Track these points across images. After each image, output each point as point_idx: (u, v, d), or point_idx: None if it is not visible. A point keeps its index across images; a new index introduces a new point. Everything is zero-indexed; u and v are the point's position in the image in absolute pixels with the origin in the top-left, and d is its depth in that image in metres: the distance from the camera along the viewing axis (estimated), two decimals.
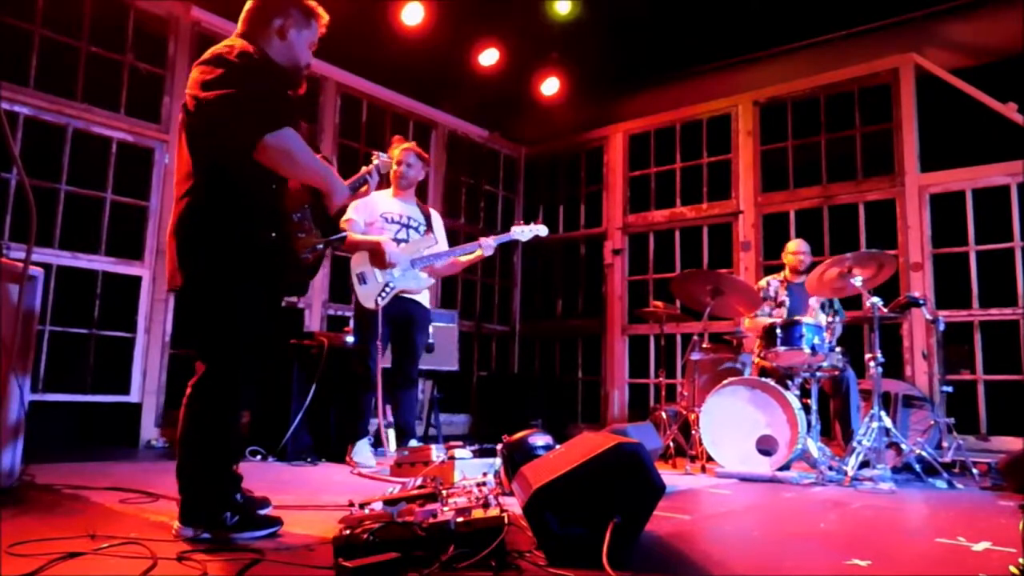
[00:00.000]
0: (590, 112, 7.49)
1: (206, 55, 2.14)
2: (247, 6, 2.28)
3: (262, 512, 2.24)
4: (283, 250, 2.17)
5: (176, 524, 2.11)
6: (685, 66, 6.78)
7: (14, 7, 4.74)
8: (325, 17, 2.35)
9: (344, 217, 4.29)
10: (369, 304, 4.10)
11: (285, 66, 2.26)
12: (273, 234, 2.13)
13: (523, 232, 4.41)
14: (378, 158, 3.00)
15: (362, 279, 4.16)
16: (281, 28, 2.24)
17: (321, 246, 2.33)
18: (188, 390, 2.18)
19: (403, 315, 4.27)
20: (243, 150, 2.05)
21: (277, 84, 2.19)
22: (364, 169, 2.80)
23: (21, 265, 2.61)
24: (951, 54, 5.75)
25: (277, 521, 2.21)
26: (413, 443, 4.13)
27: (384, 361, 4.28)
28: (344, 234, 2.46)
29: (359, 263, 4.19)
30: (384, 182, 4.69)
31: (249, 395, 2.37)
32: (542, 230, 4.45)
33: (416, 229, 4.42)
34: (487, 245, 4.31)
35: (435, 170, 7.36)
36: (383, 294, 4.10)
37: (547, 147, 8.17)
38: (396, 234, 4.31)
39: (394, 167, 4.37)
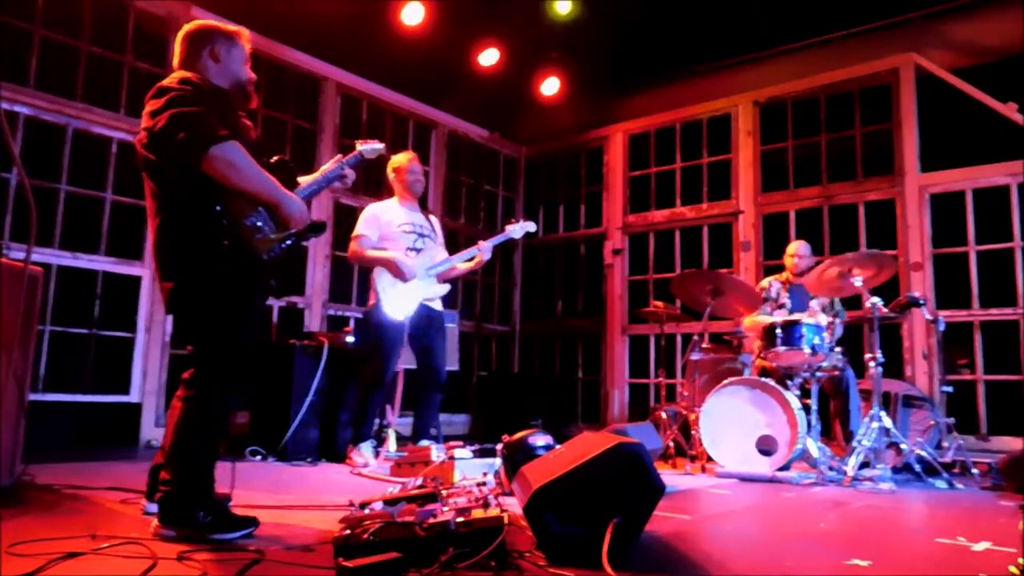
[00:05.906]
0: (590, 112, 7.49)
1: (151, 91, 2.26)
2: (177, 48, 2.47)
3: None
4: (240, 253, 2.20)
5: (155, 523, 2.14)
6: (685, 66, 6.78)
7: (14, 7, 4.73)
8: (246, 33, 2.53)
9: (355, 232, 4.39)
10: (398, 316, 4.18)
11: (228, 87, 2.41)
12: (225, 242, 2.17)
13: (516, 230, 4.57)
14: (363, 144, 2.92)
15: (388, 292, 4.21)
16: (212, 53, 2.41)
17: (290, 241, 2.31)
18: (179, 391, 2.24)
19: (423, 320, 4.33)
20: (192, 163, 2.13)
21: (219, 104, 2.30)
22: (337, 158, 2.70)
23: (21, 265, 2.62)
24: (951, 54, 5.75)
25: (252, 522, 2.21)
26: (423, 442, 4.13)
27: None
28: (321, 222, 2.42)
29: (382, 276, 4.24)
30: (388, 192, 4.75)
31: (239, 398, 2.39)
32: (531, 226, 4.66)
33: (430, 236, 4.50)
34: (485, 249, 4.44)
35: (435, 170, 7.36)
36: (409, 305, 4.19)
37: (547, 147, 8.17)
38: (414, 243, 4.40)
39: (405, 176, 4.52)
